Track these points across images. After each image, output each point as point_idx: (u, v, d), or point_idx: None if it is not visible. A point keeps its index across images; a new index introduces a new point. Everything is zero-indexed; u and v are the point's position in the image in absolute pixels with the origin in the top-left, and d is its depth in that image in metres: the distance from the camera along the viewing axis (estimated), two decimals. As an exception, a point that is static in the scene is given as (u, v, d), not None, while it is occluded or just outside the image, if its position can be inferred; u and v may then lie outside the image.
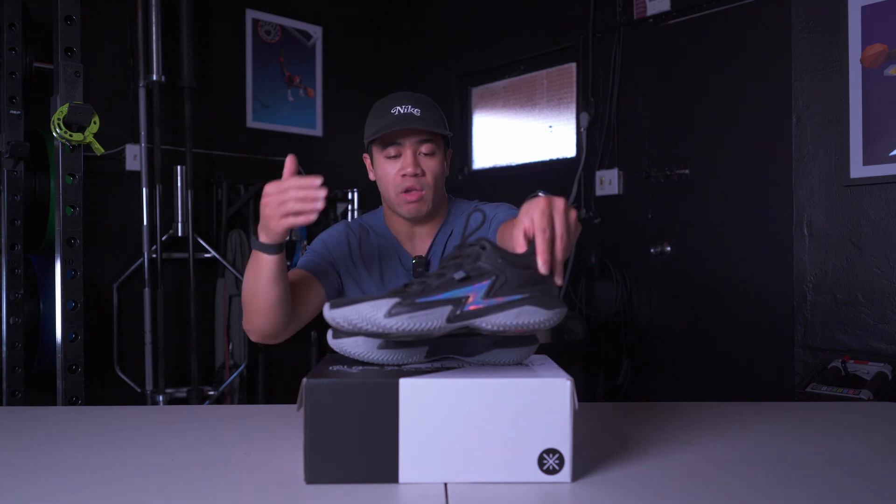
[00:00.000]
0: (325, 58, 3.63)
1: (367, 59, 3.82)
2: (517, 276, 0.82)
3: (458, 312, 0.80)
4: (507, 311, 0.81)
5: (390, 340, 0.85)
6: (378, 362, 0.87)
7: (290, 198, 1.00)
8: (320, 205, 0.99)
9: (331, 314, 0.80)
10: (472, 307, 0.81)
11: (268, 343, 1.26)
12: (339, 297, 1.35)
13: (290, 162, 1.04)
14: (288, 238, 1.13)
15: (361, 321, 0.79)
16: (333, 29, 3.68)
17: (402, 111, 1.27)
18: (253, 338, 1.25)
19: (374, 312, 0.79)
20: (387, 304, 0.79)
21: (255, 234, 1.11)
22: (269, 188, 1.03)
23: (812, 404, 1.39)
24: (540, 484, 0.78)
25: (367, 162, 1.39)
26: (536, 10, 3.34)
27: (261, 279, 1.14)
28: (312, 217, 1.01)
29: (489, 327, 0.81)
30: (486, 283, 0.81)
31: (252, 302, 1.18)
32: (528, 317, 0.81)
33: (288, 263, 1.26)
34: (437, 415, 0.77)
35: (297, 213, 1.01)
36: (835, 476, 0.84)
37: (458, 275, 0.82)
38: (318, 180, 0.98)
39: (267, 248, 1.11)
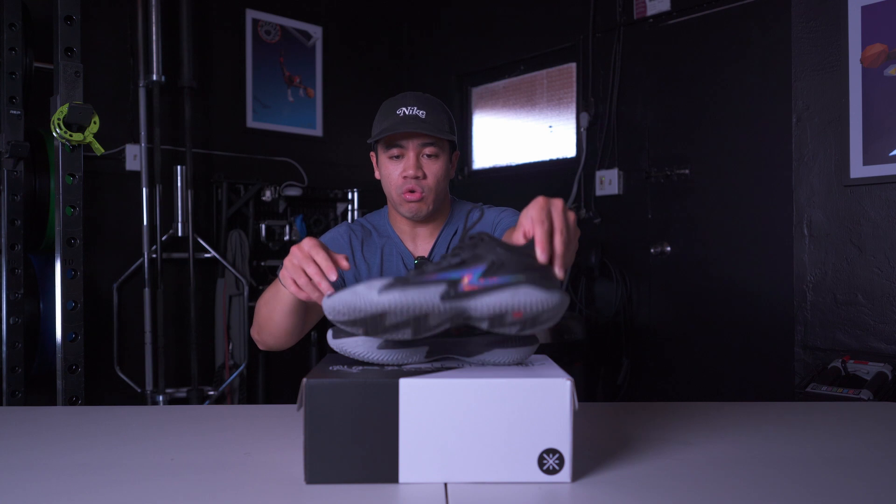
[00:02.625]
0: (325, 58, 3.63)
1: (367, 59, 3.82)
2: (515, 261, 0.80)
3: (452, 293, 0.79)
4: (503, 291, 0.79)
5: (388, 337, 0.83)
6: (378, 362, 0.87)
7: (307, 269, 0.98)
8: (325, 288, 0.95)
9: (329, 301, 0.81)
10: (467, 287, 0.79)
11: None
12: None
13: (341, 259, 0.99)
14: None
15: (356, 299, 0.79)
16: (333, 29, 3.68)
17: (407, 112, 1.27)
18: (260, 347, 1.29)
19: (368, 291, 0.80)
20: (381, 282, 0.80)
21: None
22: (305, 244, 1.00)
23: (812, 404, 1.39)
24: (540, 484, 0.78)
25: (374, 160, 1.39)
26: (536, 10, 3.34)
27: (277, 307, 1.16)
28: (312, 295, 0.98)
29: (484, 309, 0.79)
30: (482, 266, 0.80)
31: (266, 323, 1.21)
32: (524, 297, 0.78)
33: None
34: (437, 415, 0.77)
35: (299, 287, 0.99)
36: (835, 476, 0.84)
37: (455, 260, 0.81)
38: (335, 270, 0.96)
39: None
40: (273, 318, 1.19)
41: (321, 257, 0.97)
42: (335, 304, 0.80)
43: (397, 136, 1.29)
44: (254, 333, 1.28)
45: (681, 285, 2.81)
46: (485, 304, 0.79)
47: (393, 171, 1.31)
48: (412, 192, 1.29)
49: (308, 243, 1.00)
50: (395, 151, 1.30)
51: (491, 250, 0.81)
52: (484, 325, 0.81)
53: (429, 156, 1.30)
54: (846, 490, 0.79)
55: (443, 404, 0.77)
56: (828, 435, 1.05)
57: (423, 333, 0.82)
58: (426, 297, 0.79)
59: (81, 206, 1.93)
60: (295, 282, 0.99)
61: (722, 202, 2.67)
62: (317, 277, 0.96)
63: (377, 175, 1.38)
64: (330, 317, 0.81)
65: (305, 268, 0.97)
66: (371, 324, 0.80)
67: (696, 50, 2.76)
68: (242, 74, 3.35)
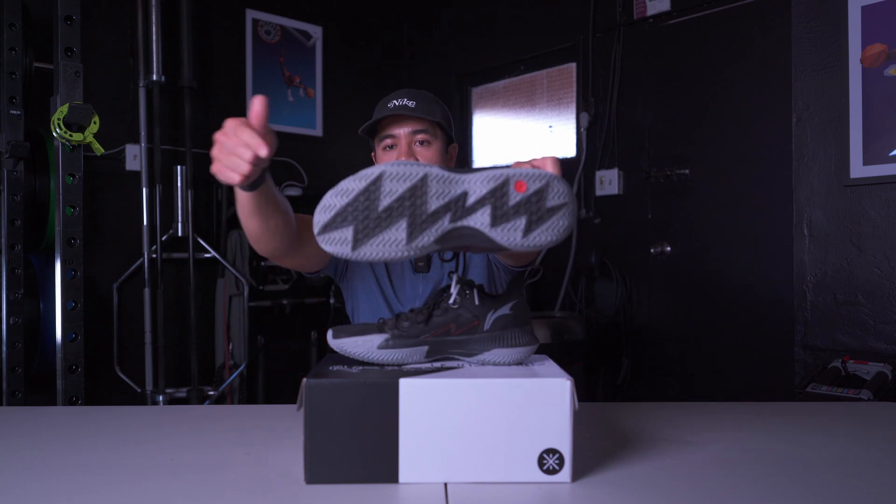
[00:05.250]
0: (325, 58, 3.63)
1: (367, 59, 3.82)
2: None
3: (448, 169, 0.78)
4: (503, 169, 0.78)
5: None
6: (378, 362, 0.88)
7: (232, 149, 0.89)
8: (245, 167, 0.88)
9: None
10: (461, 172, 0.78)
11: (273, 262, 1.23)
12: (340, 268, 1.40)
13: (257, 104, 0.90)
14: (261, 175, 0.98)
15: (350, 182, 0.77)
16: (333, 29, 3.67)
17: (397, 104, 1.31)
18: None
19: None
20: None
21: None
22: (227, 124, 0.91)
23: (812, 404, 1.39)
24: (540, 484, 0.78)
25: (374, 160, 1.41)
26: (536, 10, 3.34)
27: (242, 212, 1.06)
28: (236, 179, 0.90)
29: (482, 179, 0.76)
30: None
31: (245, 228, 1.11)
32: (526, 171, 0.78)
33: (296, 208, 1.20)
34: (437, 415, 0.77)
35: (231, 169, 0.90)
36: (835, 476, 0.84)
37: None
38: (265, 145, 0.86)
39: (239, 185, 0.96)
40: (245, 224, 1.08)
41: (248, 134, 0.88)
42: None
43: (387, 124, 1.32)
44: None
45: (681, 285, 2.81)
46: (483, 175, 0.76)
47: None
48: None
49: (231, 122, 0.90)
50: (388, 142, 1.33)
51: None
52: (485, 215, 0.75)
53: (421, 142, 1.33)
54: (846, 490, 0.79)
55: (443, 404, 0.77)
56: (828, 435, 1.05)
57: (420, 226, 0.76)
58: (421, 168, 0.75)
59: (81, 206, 1.94)
60: (224, 168, 0.89)
61: (722, 202, 2.67)
62: (242, 151, 0.87)
63: None
64: (318, 213, 0.73)
65: (231, 147, 0.88)
66: (363, 201, 0.73)
67: (696, 50, 2.76)
68: (242, 74, 3.35)
